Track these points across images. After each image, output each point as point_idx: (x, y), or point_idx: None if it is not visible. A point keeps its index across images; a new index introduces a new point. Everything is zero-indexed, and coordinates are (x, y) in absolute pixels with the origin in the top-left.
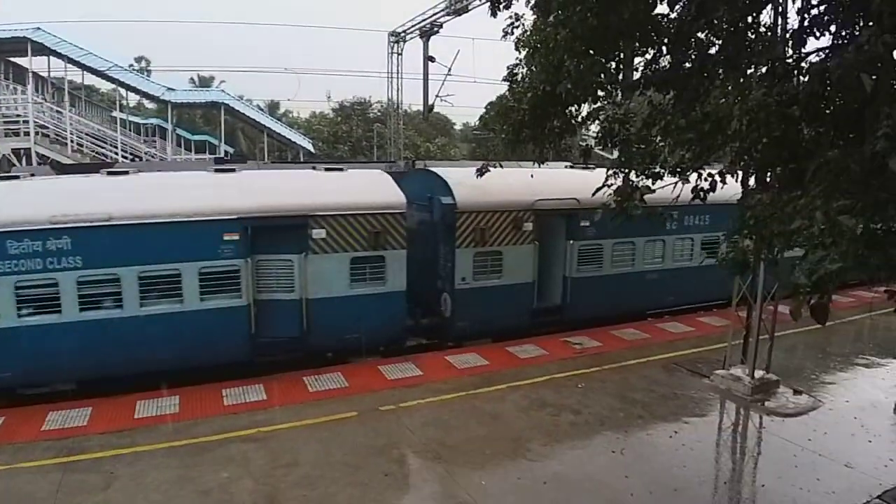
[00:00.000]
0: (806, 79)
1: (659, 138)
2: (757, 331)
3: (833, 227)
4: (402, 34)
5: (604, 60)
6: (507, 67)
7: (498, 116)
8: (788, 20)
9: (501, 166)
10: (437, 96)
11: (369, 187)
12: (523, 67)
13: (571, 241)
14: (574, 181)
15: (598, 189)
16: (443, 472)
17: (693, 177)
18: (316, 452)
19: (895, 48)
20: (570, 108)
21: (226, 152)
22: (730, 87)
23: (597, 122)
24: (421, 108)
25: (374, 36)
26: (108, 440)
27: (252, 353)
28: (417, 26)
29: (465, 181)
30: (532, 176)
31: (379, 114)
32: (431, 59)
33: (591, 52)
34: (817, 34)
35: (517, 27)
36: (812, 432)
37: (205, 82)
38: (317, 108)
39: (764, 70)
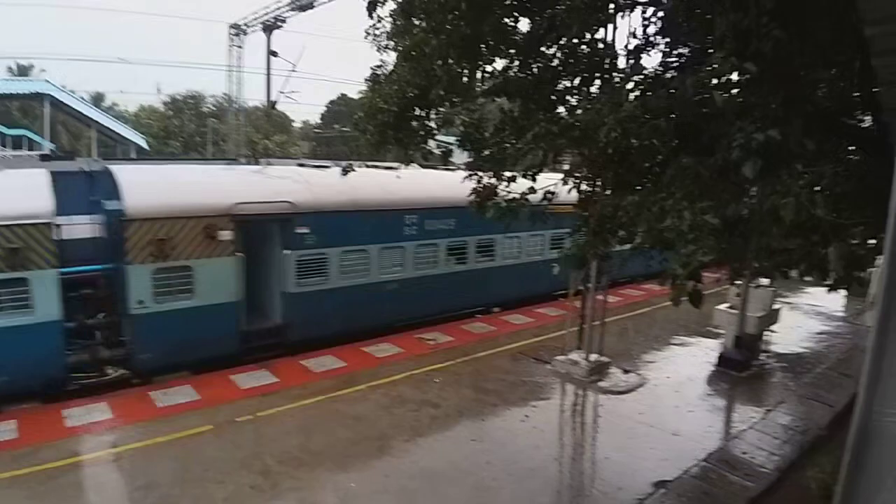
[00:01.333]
0: (660, 94)
1: (508, 145)
2: (591, 318)
3: (699, 224)
4: (244, 27)
5: (472, 68)
6: (371, 69)
7: (367, 117)
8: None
9: (368, 167)
10: (280, 92)
11: (3, 192)
12: (386, 69)
13: (287, 252)
14: (290, 182)
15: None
16: (310, 479)
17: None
18: (173, 471)
19: (739, 69)
20: (436, 110)
21: (50, 149)
22: (603, 98)
23: (451, 126)
24: (258, 103)
25: (209, 27)
26: None
27: None
28: (260, 20)
29: (144, 181)
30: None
31: (213, 108)
32: (274, 53)
33: (463, 59)
34: (650, 52)
35: (378, 29)
36: (642, 406)
37: (23, 71)
38: (146, 101)
39: (627, 83)
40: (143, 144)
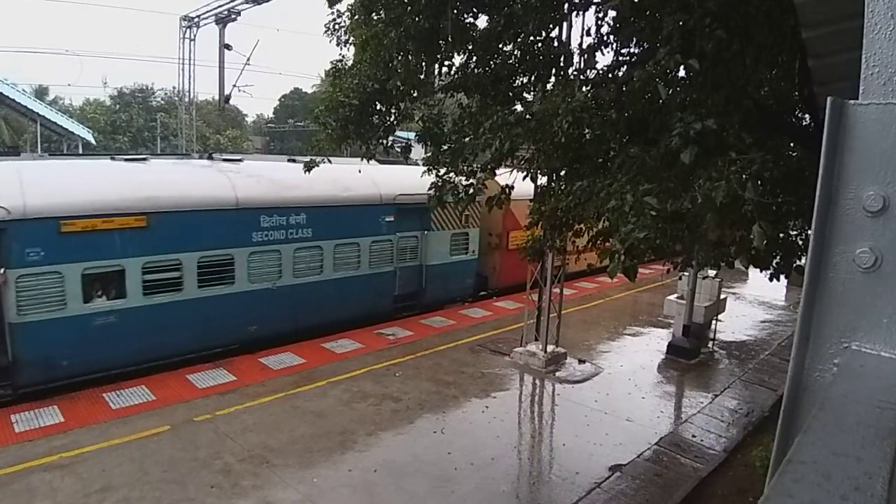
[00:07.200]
0: (611, 87)
1: (467, 139)
2: (548, 310)
3: (640, 205)
4: (196, 19)
5: (429, 62)
6: (331, 62)
7: (328, 111)
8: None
9: (330, 161)
10: (234, 86)
11: None
12: (346, 63)
13: None
14: None
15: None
16: (272, 476)
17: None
18: (131, 473)
19: (683, 64)
20: (397, 104)
21: None
22: (557, 90)
23: (410, 121)
24: (210, 97)
25: (159, 19)
26: None
27: None
28: (213, 12)
29: None
30: None
31: (162, 102)
32: (228, 46)
33: (421, 52)
34: (604, 50)
35: (339, 24)
36: (597, 394)
37: None
38: (91, 94)
39: (574, 77)
40: (91, 139)
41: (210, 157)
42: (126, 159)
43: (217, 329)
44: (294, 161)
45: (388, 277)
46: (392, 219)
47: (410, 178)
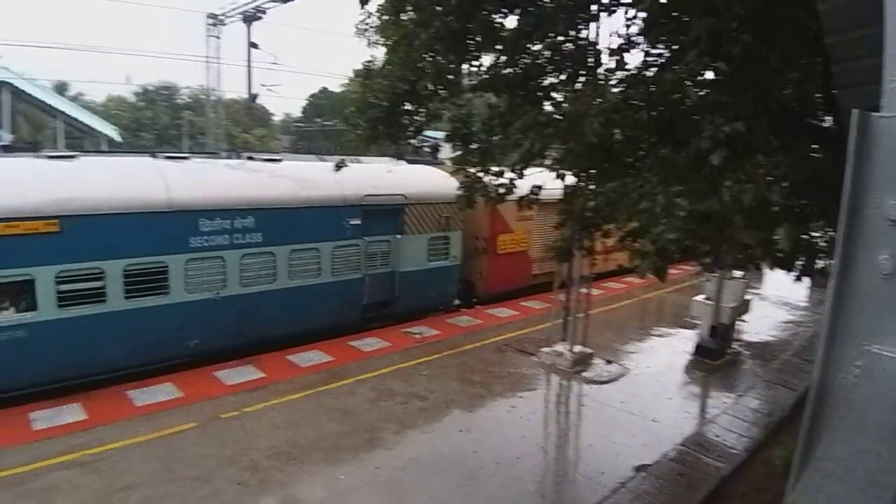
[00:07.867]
0: (641, 89)
1: (496, 138)
2: (574, 311)
3: (671, 207)
4: (222, 17)
5: (459, 62)
6: (363, 63)
7: (358, 112)
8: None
9: (359, 161)
10: (262, 85)
11: None
12: (376, 64)
13: None
14: None
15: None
16: (299, 473)
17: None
18: (155, 471)
19: (711, 67)
20: (426, 105)
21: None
22: (588, 90)
23: (439, 121)
24: (236, 95)
25: (183, 16)
26: None
27: None
28: (239, 10)
29: None
30: None
31: (189, 100)
32: (254, 45)
33: (450, 52)
34: (632, 51)
35: (369, 25)
36: (624, 395)
37: None
38: (114, 91)
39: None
40: (116, 136)
41: (153, 155)
42: (50, 156)
43: (150, 343)
44: (252, 159)
45: (354, 285)
46: (359, 222)
47: (379, 178)
